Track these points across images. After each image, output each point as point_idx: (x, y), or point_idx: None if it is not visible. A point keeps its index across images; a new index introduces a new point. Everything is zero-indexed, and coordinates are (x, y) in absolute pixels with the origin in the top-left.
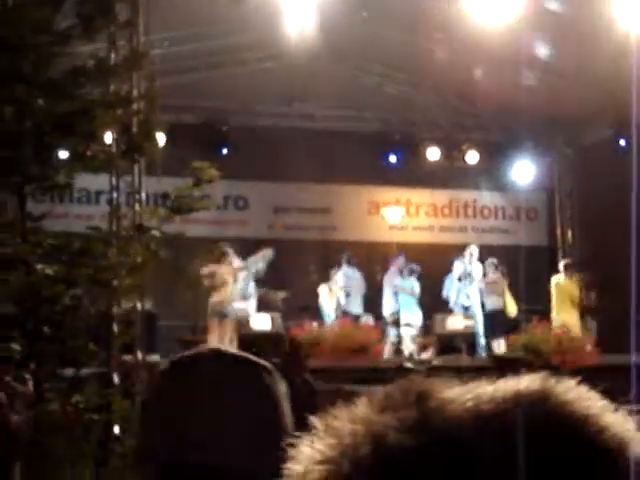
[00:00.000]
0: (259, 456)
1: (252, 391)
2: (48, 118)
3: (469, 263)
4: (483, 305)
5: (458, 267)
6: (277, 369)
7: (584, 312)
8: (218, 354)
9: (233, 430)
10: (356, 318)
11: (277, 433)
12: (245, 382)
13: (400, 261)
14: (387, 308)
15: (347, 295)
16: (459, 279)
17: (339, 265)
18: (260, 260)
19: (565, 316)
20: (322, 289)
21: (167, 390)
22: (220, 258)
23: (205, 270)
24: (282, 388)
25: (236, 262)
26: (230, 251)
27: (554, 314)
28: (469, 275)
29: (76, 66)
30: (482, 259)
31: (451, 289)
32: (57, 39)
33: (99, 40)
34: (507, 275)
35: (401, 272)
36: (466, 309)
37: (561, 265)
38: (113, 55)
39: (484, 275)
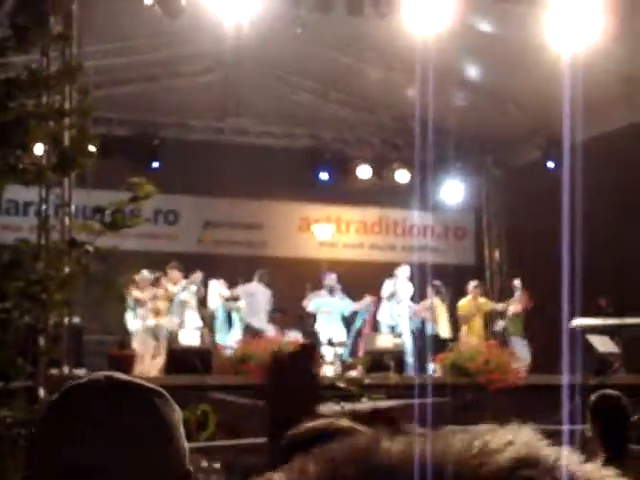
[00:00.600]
0: (150, 478)
1: (145, 418)
2: None
3: (398, 283)
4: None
5: (387, 286)
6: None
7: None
8: (110, 381)
9: (123, 458)
10: (259, 332)
11: (169, 459)
12: (137, 408)
13: (329, 279)
14: (323, 328)
15: (249, 310)
16: (387, 299)
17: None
18: (188, 286)
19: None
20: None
21: (54, 421)
22: (157, 281)
23: (142, 294)
24: (176, 415)
25: (170, 286)
26: (173, 272)
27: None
28: (394, 295)
29: (9, 77)
30: (412, 279)
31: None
32: None
33: (32, 52)
34: (445, 296)
35: (330, 291)
36: (392, 328)
37: (471, 286)
38: (46, 67)
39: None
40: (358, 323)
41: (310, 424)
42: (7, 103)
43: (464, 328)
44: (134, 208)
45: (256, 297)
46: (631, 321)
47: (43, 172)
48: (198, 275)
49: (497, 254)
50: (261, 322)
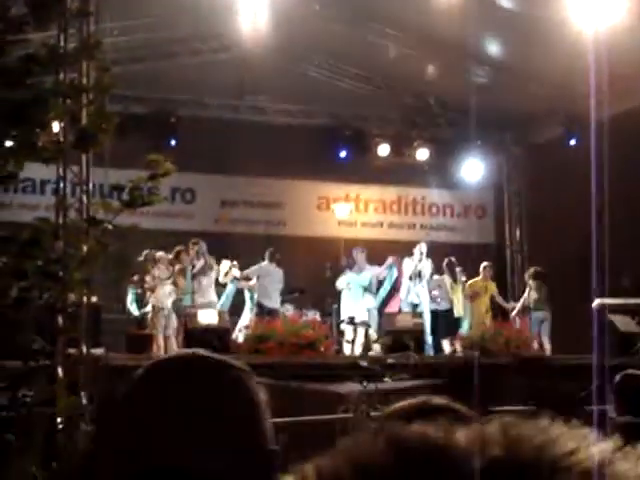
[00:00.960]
0: (235, 459)
1: (231, 394)
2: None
3: (419, 261)
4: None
5: (408, 265)
6: None
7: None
8: (196, 358)
9: (210, 433)
10: (271, 312)
11: (255, 437)
12: (224, 385)
13: (358, 257)
14: (345, 306)
15: (262, 290)
16: (409, 278)
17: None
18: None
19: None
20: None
21: (142, 396)
22: (177, 257)
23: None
24: (262, 394)
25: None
26: (197, 247)
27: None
28: (419, 274)
29: (29, 54)
30: (430, 256)
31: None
32: (10, 27)
33: (50, 28)
34: (461, 274)
35: (349, 266)
36: (415, 307)
37: (481, 267)
38: (64, 43)
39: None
40: (383, 292)
41: (406, 402)
42: (25, 80)
43: (470, 306)
44: (152, 186)
45: (268, 277)
46: None
47: (62, 150)
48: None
49: (518, 233)
50: (272, 302)
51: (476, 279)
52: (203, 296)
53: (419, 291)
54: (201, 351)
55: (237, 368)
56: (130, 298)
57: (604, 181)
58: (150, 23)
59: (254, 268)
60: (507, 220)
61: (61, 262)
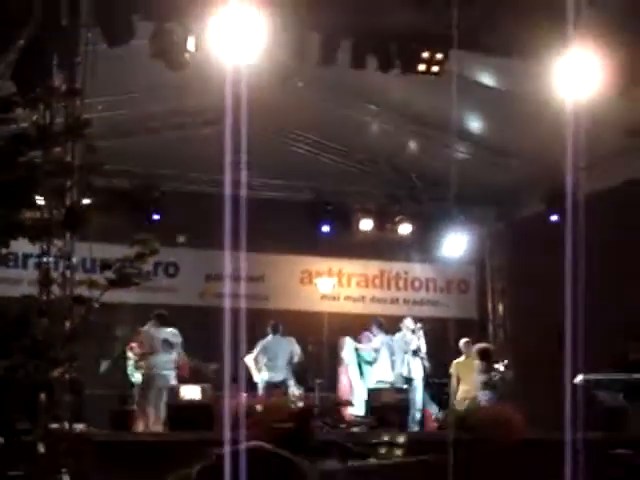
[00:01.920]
0: None
1: None
2: None
3: (416, 336)
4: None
5: (411, 340)
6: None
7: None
8: (262, 452)
9: None
10: (280, 384)
11: None
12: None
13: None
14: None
15: (270, 365)
16: (414, 352)
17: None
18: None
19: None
20: (248, 359)
21: None
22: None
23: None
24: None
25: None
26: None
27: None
28: (419, 349)
29: (16, 133)
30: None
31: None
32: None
33: (37, 106)
34: None
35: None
36: (409, 381)
37: (461, 343)
38: (50, 120)
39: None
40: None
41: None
42: (16, 159)
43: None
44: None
45: (274, 350)
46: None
47: (49, 227)
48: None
49: (500, 308)
50: (279, 375)
51: (461, 359)
52: None
53: (413, 365)
54: (264, 445)
55: (299, 464)
56: (131, 365)
57: (580, 258)
58: (134, 98)
59: (259, 345)
60: (489, 295)
61: (47, 341)
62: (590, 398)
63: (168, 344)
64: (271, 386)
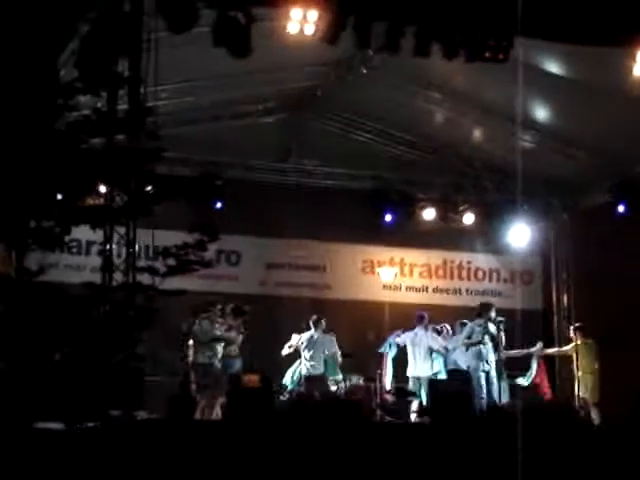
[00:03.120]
0: None
1: None
2: (51, 170)
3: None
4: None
5: (492, 330)
6: None
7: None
8: None
9: None
10: (319, 378)
11: None
12: None
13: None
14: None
15: (311, 358)
16: (495, 345)
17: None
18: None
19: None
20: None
21: None
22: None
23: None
24: None
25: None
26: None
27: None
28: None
29: (78, 120)
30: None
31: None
32: (61, 92)
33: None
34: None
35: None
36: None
37: (572, 329)
38: (113, 107)
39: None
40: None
41: None
42: (78, 146)
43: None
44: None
45: (316, 345)
46: None
47: (112, 215)
48: None
49: (565, 299)
50: (317, 369)
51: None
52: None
53: (491, 356)
54: None
55: None
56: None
57: None
58: (196, 86)
59: (302, 336)
60: (554, 286)
61: (108, 327)
62: None
63: None
64: (311, 379)
